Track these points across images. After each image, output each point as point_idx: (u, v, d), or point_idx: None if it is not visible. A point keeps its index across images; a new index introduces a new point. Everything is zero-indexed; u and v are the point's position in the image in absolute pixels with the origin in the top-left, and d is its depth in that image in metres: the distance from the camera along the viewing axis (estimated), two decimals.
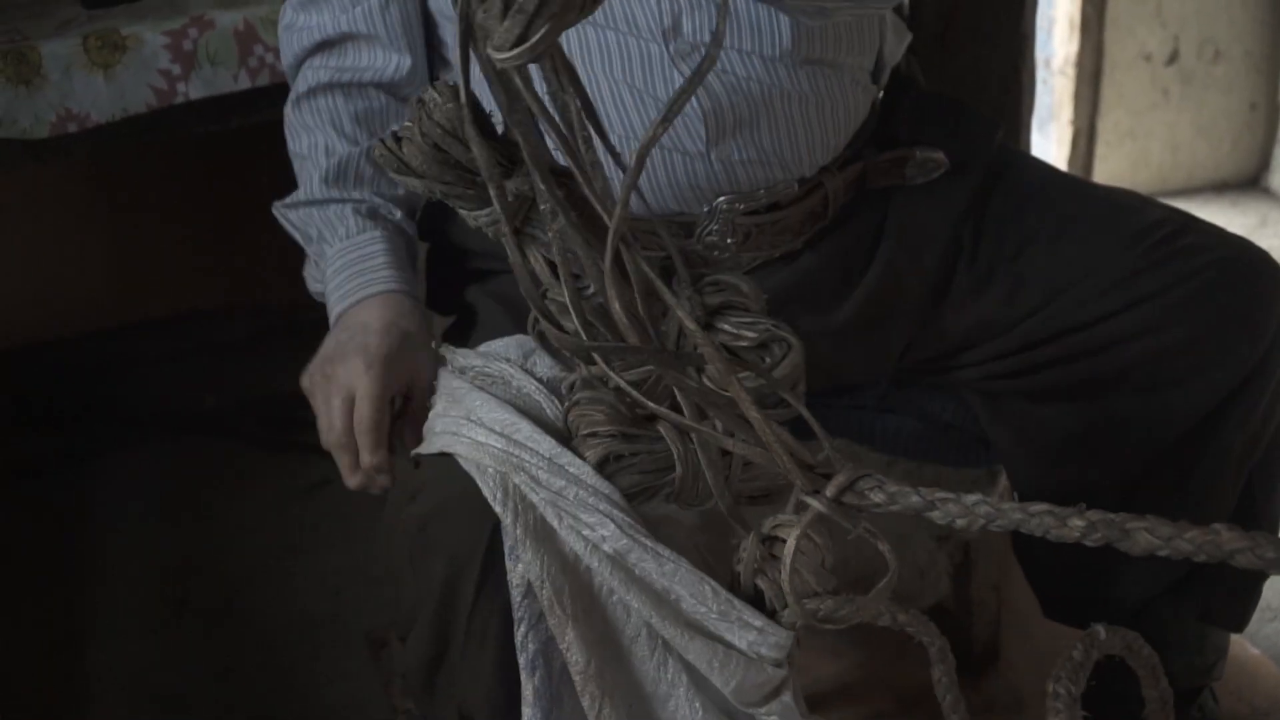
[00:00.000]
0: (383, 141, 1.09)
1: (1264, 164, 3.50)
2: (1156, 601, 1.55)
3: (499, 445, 1.20)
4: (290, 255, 2.97)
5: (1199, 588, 1.55)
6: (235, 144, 2.55)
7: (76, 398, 2.74)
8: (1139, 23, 3.30)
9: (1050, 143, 3.33)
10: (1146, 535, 0.84)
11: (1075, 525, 0.85)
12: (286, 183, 2.89)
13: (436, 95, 1.04)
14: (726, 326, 1.08)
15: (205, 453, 2.62)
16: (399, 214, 1.51)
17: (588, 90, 1.34)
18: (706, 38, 1.34)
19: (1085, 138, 3.34)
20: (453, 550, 1.24)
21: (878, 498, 0.95)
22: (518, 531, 1.16)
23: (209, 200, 2.86)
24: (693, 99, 1.34)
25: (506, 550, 1.17)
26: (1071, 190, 1.55)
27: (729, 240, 1.41)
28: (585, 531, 1.16)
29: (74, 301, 2.84)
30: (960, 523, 0.91)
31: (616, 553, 1.16)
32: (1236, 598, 1.59)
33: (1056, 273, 1.46)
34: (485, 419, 1.23)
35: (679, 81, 1.35)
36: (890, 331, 1.50)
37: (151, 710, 2.02)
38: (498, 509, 1.18)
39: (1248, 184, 3.53)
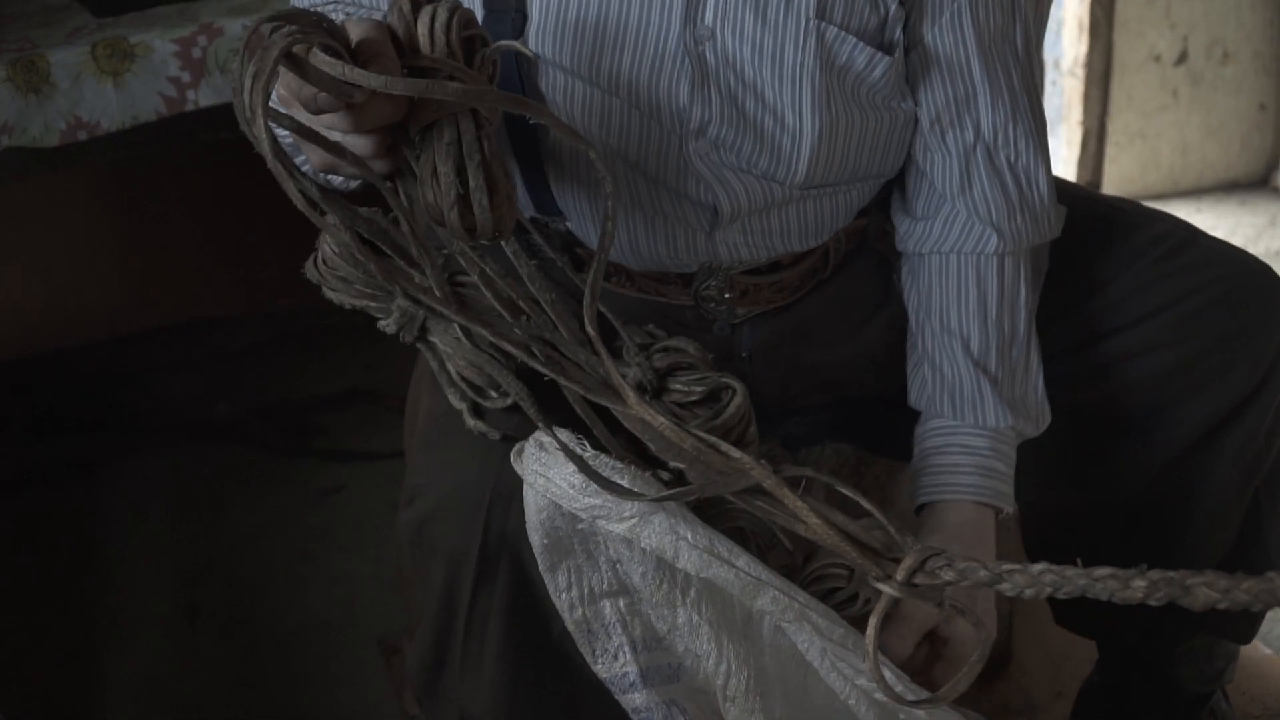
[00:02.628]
0: (312, 262, 1.20)
1: (1273, 164, 3.50)
2: (1166, 613, 1.55)
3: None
4: (302, 261, 2.96)
5: None
6: (247, 152, 2.55)
7: (89, 404, 2.75)
8: (1148, 24, 3.29)
9: (1060, 144, 3.33)
10: (1206, 590, 0.86)
11: (1138, 586, 0.88)
12: None
13: (329, 246, 1.17)
14: (678, 385, 1.15)
15: (218, 459, 2.62)
16: None
17: (604, 157, 1.33)
18: (729, 137, 1.31)
19: (1095, 139, 3.33)
20: (449, 552, 1.25)
21: (948, 575, 0.97)
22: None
23: (221, 207, 2.86)
24: (703, 191, 1.33)
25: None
26: (1074, 205, 1.54)
27: (726, 295, 1.41)
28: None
29: (87, 309, 2.84)
30: (1029, 593, 0.94)
31: None
32: (1243, 615, 1.59)
33: (1059, 290, 1.45)
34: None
35: (690, 183, 1.33)
36: (894, 363, 1.49)
37: (164, 715, 2.02)
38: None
39: (1257, 184, 3.52)
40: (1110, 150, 3.34)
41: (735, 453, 1.04)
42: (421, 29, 1.01)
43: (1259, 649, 1.92)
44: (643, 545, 1.13)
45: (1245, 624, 1.59)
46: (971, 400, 1.37)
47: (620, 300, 1.43)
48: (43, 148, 1.82)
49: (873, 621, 1.03)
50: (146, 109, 1.82)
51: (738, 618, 1.19)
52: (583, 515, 1.14)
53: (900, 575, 0.99)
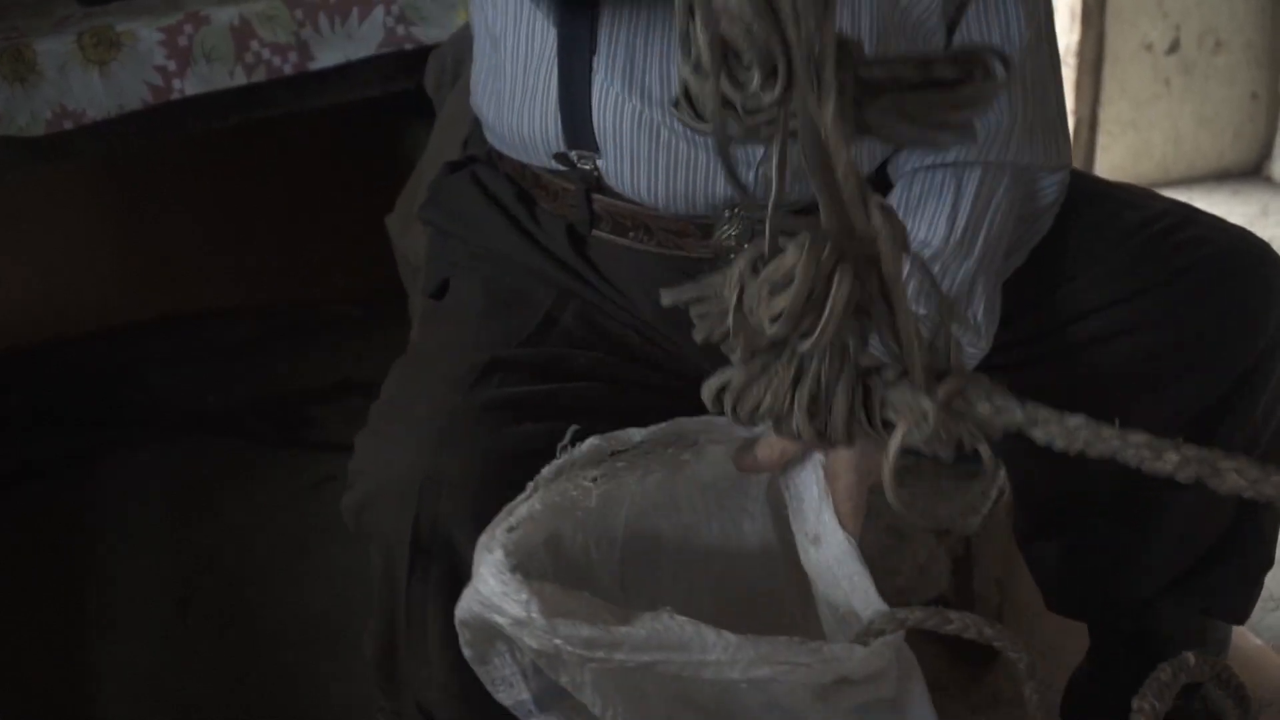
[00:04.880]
0: None
1: (1265, 153, 3.50)
2: (1159, 595, 1.55)
3: None
4: (296, 255, 2.98)
5: (1201, 581, 1.55)
6: (241, 143, 2.56)
7: (82, 397, 2.75)
8: (1140, 13, 3.29)
9: None
10: (1235, 476, 0.86)
11: (1170, 459, 0.88)
12: (294, 181, 2.90)
13: None
14: None
15: (211, 452, 2.62)
16: None
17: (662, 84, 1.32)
18: None
19: (1087, 128, 3.33)
20: (383, 538, 1.25)
21: (983, 409, 0.95)
22: None
23: (215, 200, 2.86)
24: None
25: None
26: (1073, 184, 1.54)
27: (745, 245, 1.40)
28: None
29: (80, 301, 2.85)
30: (1059, 444, 0.93)
31: None
32: (1238, 590, 1.59)
33: (1056, 264, 1.45)
34: None
35: None
36: None
37: (158, 710, 2.01)
38: None
39: (1249, 173, 3.52)
40: (1102, 139, 3.34)
41: (878, 218, 0.97)
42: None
43: (1249, 639, 1.91)
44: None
45: (1240, 603, 1.59)
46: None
47: (637, 257, 1.43)
48: (33, 140, 1.82)
49: (899, 430, 1.00)
50: (133, 98, 1.82)
51: None
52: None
53: (940, 394, 0.96)
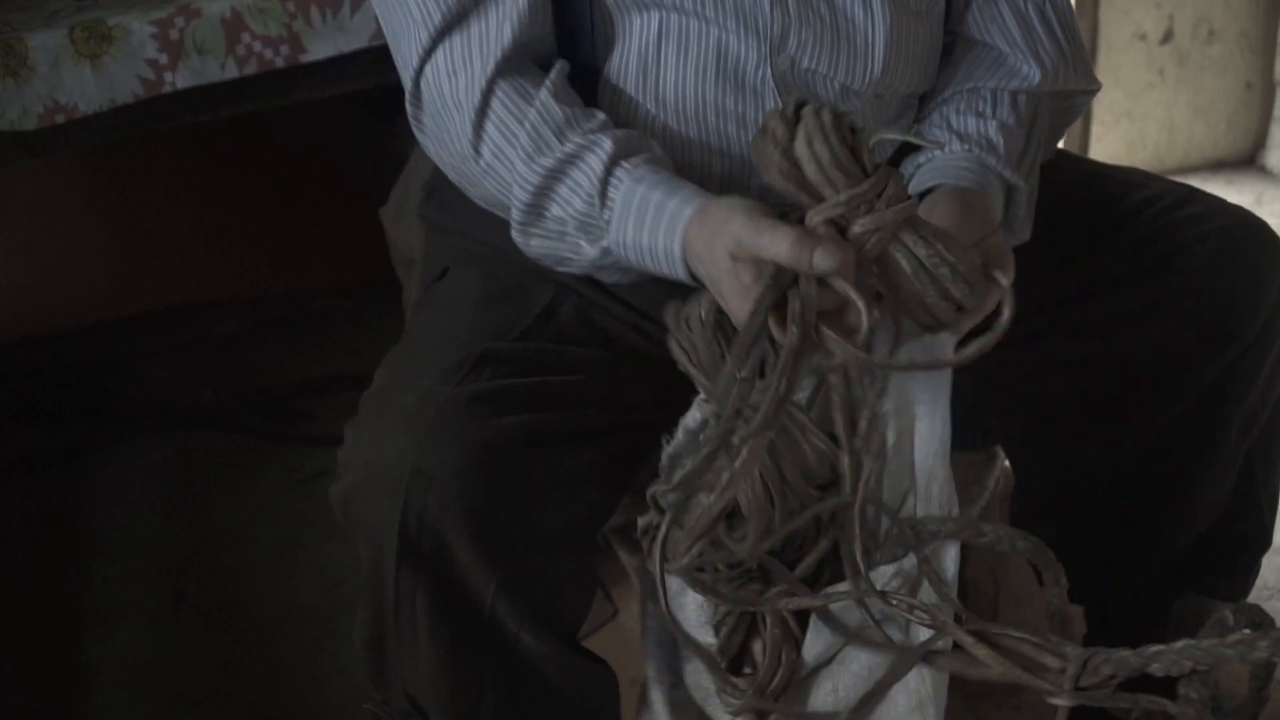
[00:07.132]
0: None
1: (1260, 143, 3.50)
2: (1157, 576, 1.55)
3: None
4: (288, 248, 2.97)
5: (1198, 564, 1.55)
6: (232, 136, 2.55)
7: (74, 391, 2.74)
8: (1134, 3, 3.29)
9: None
10: None
11: (1262, 646, 0.99)
12: (286, 174, 2.88)
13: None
14: None
15: (203, 446, 2.61)
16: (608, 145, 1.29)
17: (679, 95, 1.35)
18: (809, 40, 1.34)
19: (1082, 117, 3.33)
20: (371, 529, 1.25)
21: (1107, 671, 1.06)
22: None
23: (207, 193, 2.86)
24: (775, 94, 1.35)
25: None
26: (1074, 166, 1.55)
27: None
28: None
29: (72, 295, 2.84)
30: (1174, 670, 1.04)
31: None
32: (1235, 574, 1.59)
33: (1057, 243, 1.45)
34: None
35: (770, 101, 1.35)
36: None
37: (151, 705, 2.01)
38: None
39: (1244, 163, 3.52)
40: (1096, 129, 3.34)
41: (923, 607, 1.13)
42: (810, 173, 1.07)
43: None
44: None
45: (1237, 583, 1.60)
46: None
47: None
48: (25, 134, 1.82)
49: None
50: (124, 92, 1.82)
51: None
52: None
53: (1067, 685, 1.06)
